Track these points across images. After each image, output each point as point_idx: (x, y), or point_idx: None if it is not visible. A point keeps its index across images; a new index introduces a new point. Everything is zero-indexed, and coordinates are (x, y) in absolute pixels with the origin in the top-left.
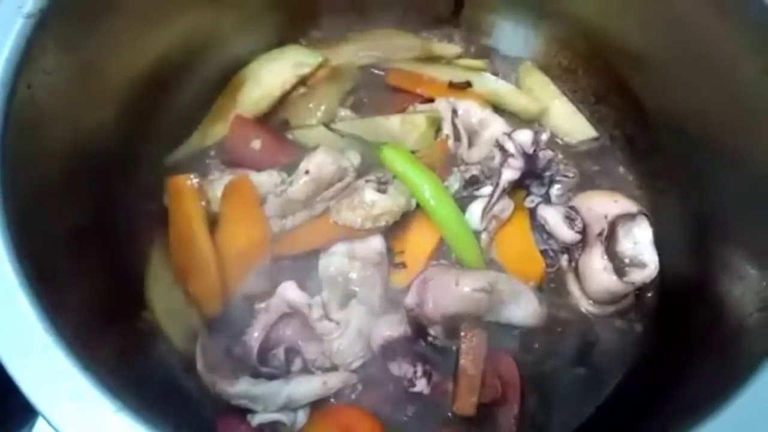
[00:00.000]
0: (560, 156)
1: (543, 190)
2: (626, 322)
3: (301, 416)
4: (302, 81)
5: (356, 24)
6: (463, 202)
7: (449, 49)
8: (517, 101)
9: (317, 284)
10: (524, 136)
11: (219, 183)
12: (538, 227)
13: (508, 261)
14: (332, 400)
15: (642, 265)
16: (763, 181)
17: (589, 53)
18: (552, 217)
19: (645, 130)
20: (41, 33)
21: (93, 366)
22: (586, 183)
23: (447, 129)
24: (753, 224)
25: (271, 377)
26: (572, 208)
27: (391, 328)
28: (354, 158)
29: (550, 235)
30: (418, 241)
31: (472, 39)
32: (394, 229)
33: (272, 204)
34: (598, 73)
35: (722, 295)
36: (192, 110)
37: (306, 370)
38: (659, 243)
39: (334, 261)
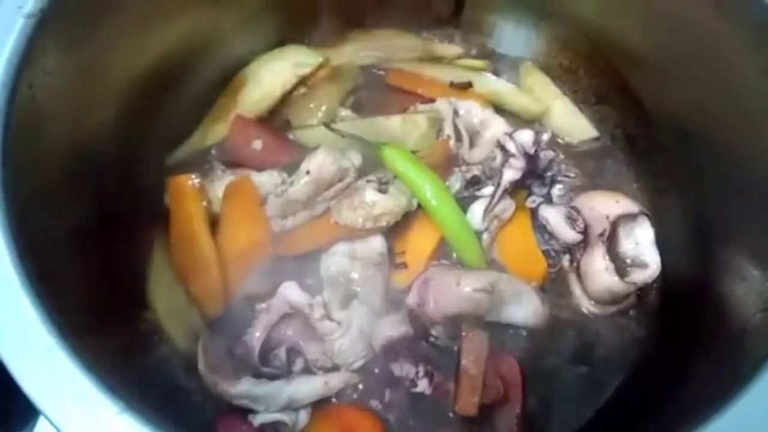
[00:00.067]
0: (561, 156)
1: (544, 191)
2: (628, 323)
3: (303, 416)
4: (303, 81)
5: (357, 24)
6: (464, 203)
7: (450, 49)
8: (518, 101)
9: (318, 284)
10: (525, 136)
11: (220, 183)
12: (540, 227)
13: (509, 261)
14: (334, 400)
15: (643, 266)
16: (765, 180)
17: (590, 53)
18: (553, 217)
19: (646, 130)
20: (42, 33)
21: (95, 367)
22: (587, 183)
23: (448, 129)
24: (755, 224)
25: (272, 377)
26: (574, 208)
27: (393, 328)
28: (355, 158)
29: (552, 236)
30: (419, 242)
31: (472, 39)
32: (395, 229)
33: (273, 204)
34: (599, 73)
35: (724, 296)
36: (193, 110)
37: (307, 370)
38: (661, 243)
39: (335, 261)
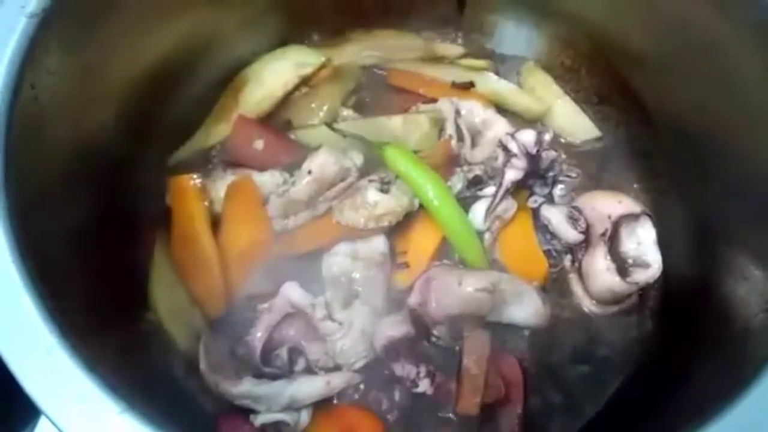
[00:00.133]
0: (563, 156)
1: (546, 191)
2: (629, 323)
3: (304, 416)
4: (304, 81)
5: (359, 24)
6: (466, 202)
7: (452, 49)
8: (520, 101)
9: (320, 284)
10: (527, 136)
11: (222, 183)
12: (542, 227)
13: (511, 261)
14: (335, 400)
15: (645, 266)
16: (766, 180)
17: (591, 53)
18: (555, 217)
19: (648, 130)
20: (44, 33)
21: (97, 367)
22: (589, 183)
23: (450, 129)
24: (756, 224)
25: (274, 377)
26: (575, 208)
27: (394, 328)
28: (356, 158)
29: (554, 236)
30: (421, 241)
31: (474, 39)
32: (397, 229)
33: (275, 204)
34: (601, 73)
35: (727, 296)
36: (194, 110)
37: (309, 370)
38: (662, 243)
39: (337, 261)
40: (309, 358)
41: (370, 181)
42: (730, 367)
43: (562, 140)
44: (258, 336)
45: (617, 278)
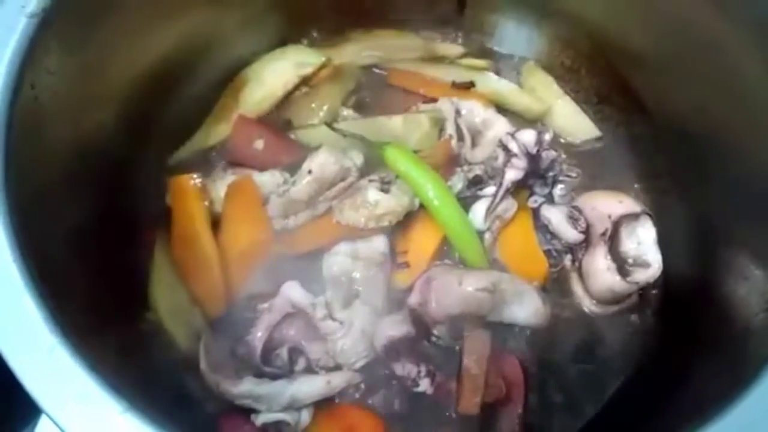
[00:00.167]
0: (563, 156)
1: (546, 190)
2: (630, 322)
3: (305, 416)
4: (304, 81)
5: (359, 24)
6: (466, 202)
7: (452, 49)
8: (521, 101)
9: (320, 284)
10: (527, 136)
11: (222, 183)
12: (542, 227)
13: (511, 261)
14: (336, 399)
15: (645, 265)
16: (767, 179)
17: (591, 53)
18: (555, 217)
19: (648, 129)
20: (44, 33)
21: (98, 366)
22: (589, 183)
23: (450, 129)
24: (757, 224)
25: (274, 377)
26: (576, 208)
27: (395, 327)
28: (357, 158)
29: (554, 235)
30: (421, 241)
31: (474, 39)
32: (397, 228)
33: (275, 204)
34: (601, 73)
35: (727, 296)
36: (194, 110)
37: (309, 369)
38: (663, 243)
39: (338, 261)
40: (309, 358)
41: (371, 180)
42: (730, 367)
43: (563, 140)
44: (258, 336)
45: (617, 278)
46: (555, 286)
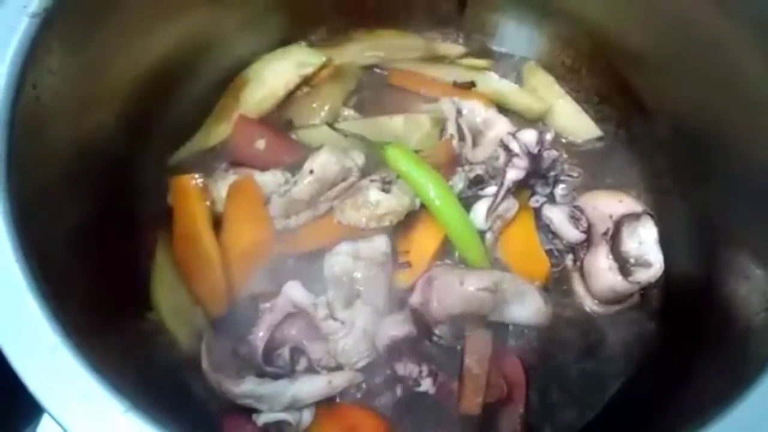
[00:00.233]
0: (565, 155)
1: (548, 190)
2: (631, 322)
3: (307, 416)
4: (306, 81)
5: (360, 24)
6: (467, 202)
7: (453, 48)
8: (522, 101)
9: (322, 284)
10: (529, 135)
11: (223, 183)
12: (543, 227)
13: (512, 260)
14: (337, 399)
15: (647, 265)
16: None
17: (592, 52)
18: (557, 216)
19: (649, 129)
20: (46, 33)
21: (100, 366)
22: (590, 182)
23: (451, 129)
24: (758, 223)
25: (276, 377)
26: (577, 207)
27: (397, 327)
28: (358, 158)
29: (555, 235)
30: (423, 241)
31: (475, 39)
32: (399, 228)
33: (276, 204)
34: (602, 73)
35: (728, 295)
36: (195, 110)
37: (311, 369)
38: (664, 242)
39: (339, 261)
40: (311, 358)
41: (372, 180)
42: (731, 367)
43: (564, 140)
44: (260, 335)
45: (619, 277)
46: (556, 286)
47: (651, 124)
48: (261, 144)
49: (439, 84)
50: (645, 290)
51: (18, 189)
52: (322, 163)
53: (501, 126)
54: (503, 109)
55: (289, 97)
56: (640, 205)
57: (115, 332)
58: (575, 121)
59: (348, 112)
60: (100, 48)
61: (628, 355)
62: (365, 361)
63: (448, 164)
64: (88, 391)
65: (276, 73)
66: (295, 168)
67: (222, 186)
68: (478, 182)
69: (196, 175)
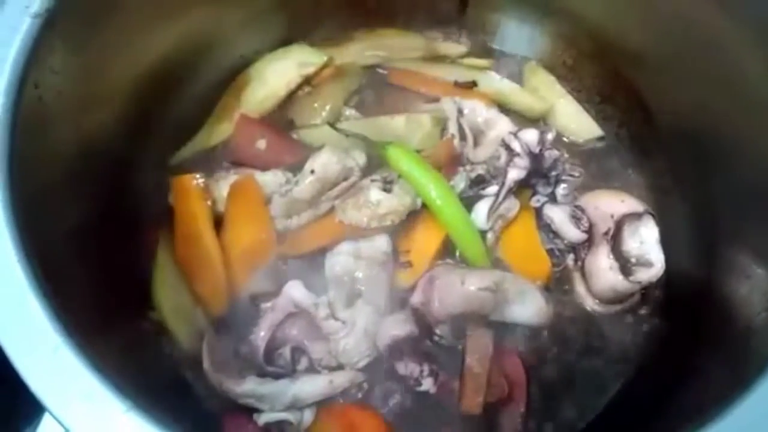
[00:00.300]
0: (566, 155)
1: (549, 190)
2: (632, 322)
3: (308, 415)
4: (307, 80)
5: (361, 23)
6: (468, 202)
7: (454, 48)
8: (523, 100)
9: (323, 284)
10: (530, 135)
11: (224, 183)
12: (544, 226)
13: (514, 260)
14: (339, 399)
15: (648, 265)
16: None
17: (593, 52)
18: (558, 216)
19: (650, 129)
20: (48, 32)
21: (102, 366)
22: (591, 182)
23: (452, 128)
24: (759, 222)
25: (277, 376)
26: (578, 207)
27: (398, 327)
28: (359, 158)
29: (556, 235)
30: (424, 241)
31: (476, 38)
32: (400, 228)
33: (277, 203)
34: (603, 73)
35: (729, 295)
36: (196, 110)
37: (312, 369)
38: (665, 242)
39: (340, 260)
40: (312, 357)
41: (373, 180)
42: (732, 367)
43: (565, 139)
44: (261, 335)
45: (620, 277)
46: (557, 286)
47: (652, 124)
48: (262, 144)
49: (440, 83)
50: (646, 290)
51: (20, 188)
52: (323, 163)
53: (502, 126)
54: (504, 108)
55: (291, 96)
56: (642, 204)
57: (116, 332)
58: (576, 121)
59: (349, 111)
60: (102, 48)
61: (628, 355)
62: (366, 361)
63: (450, 164)
64: (90, 391)
65: (277, 73)
66: (296, 168)
67: (223, 186)
68: (479, 182)
69: (197, 175)
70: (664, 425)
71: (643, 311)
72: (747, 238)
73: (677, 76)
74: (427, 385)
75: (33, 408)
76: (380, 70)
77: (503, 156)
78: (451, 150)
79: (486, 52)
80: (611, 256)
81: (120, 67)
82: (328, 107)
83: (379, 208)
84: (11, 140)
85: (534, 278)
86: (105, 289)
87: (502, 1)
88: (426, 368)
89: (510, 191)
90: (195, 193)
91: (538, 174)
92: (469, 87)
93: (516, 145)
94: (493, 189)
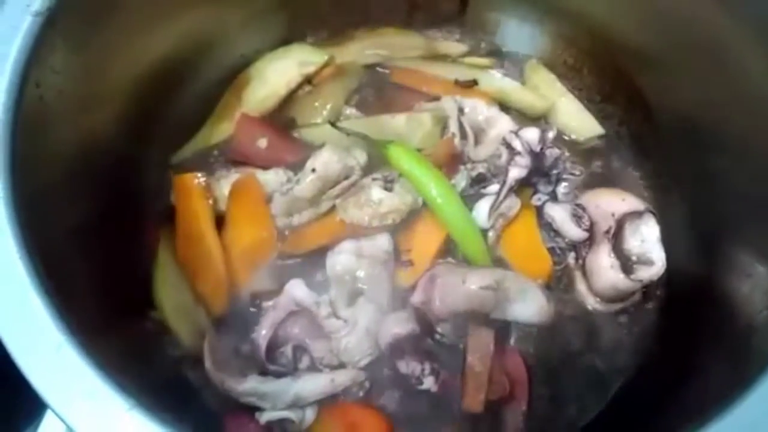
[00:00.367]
0: (567, 154)
1: (550, 188)
2: (633, 320)
3: (309, 414)
4: (308, 79)
5: (361, 22)
6: (469, 200)
7: (455, 47)
8: (524, 99)
9: (325, 282)
10: (531, 133)
11: (225, 181)
12: (546, 225)
13: (515, 259)
14: (340, 397)
15: (649, 263)
16: None
17: (594, 51)
18: (559, 214)
19: (651, 127)
20: (50, 31)
21: (105, 364)
22: (592, 181)
23: (453, 127)
24: (760, 221)
25: (278, 375)
26: (579, 205)
27: (399, 325)
28: (360, 156)
29: (557, 233)
30: (425, 239)
31: (477, 37)
32: (401, 227)
33: (279, 202)
34: (604, 71)
35: (730, 293)
36: (197, 109)
37: (314, 367)
38: (665, 240)
39: (342, 259)
40: (313, 356)
41: (374, 179)
42: (733, 365)
43: (566, 138)
44: (263, 334)
45: (621, 275)
46: (558, 284)
47: (653, 123)
48: (263, 143)
49: (441, 82)
50: (647, 288)
51: (21, 187)
52: (324, 162)
53: (503, 124)
54: (505, 107)
55: (291, 95)
56: (643, 203)
57: (118, 331)
58: (577, 119)
59: (350, 110)
60: (103, 47)
61: (629, 353)
62: (368, 360)
63: (451, 162)
64: (93, 389)
65: (278, 72)
66: (297, 166)
67: (224, 185)
68: (480, 180)
69: (199, 174)
70: (665, 423)
71: (643, 310)
72: (748, 237)
73: (678, 74)
74: (429, 383)
75: (34, 406)
76: (381, 69)
77: (504, 154)
78: (452, 149)
79: (487, 50)
80: (612, 255)
81: (121, 66)
82: (328, 106)
83: (380, 207)
84: (12, 139)
85: (535, 277)
86: (107, 287)
87: (502, 1)
88: (427, 367)
89: (511, 190)
90: (196, 192)
91: (539, 172)
92: (469, 86)
93: (517, 144)
94: (494, 187)
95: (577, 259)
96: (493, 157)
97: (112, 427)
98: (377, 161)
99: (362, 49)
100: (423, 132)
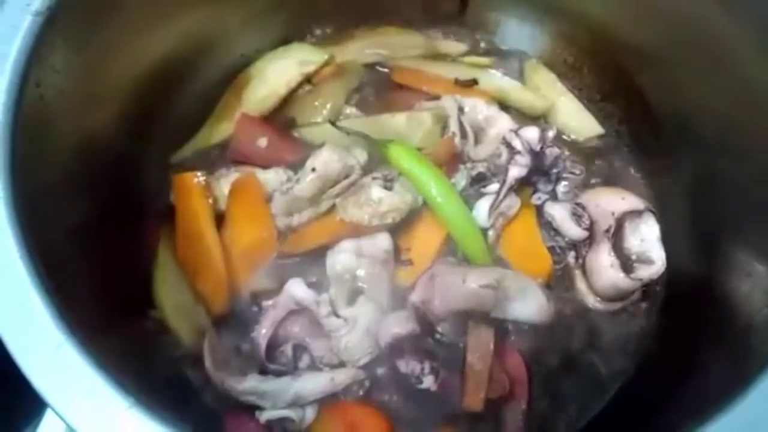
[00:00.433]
0: (567, 153)
1: (550, 187)
2: (633, 319)
3: (309, 413)
4: (308, 79)
5: (362, 22)
6: (469, 200)
7: (455, 46)
8: (524, 98)
9: (325, 281)
10: (531, 133)
11: (225, 181)
12: (545, 224)
13: (515, 258)
14: (340, 396)
15: (649, 262)
16: None
17: (594, 50)
18: (559, 214)
19: (651, 126)
20: (49, 31)
21: (105, 363)
22: (592, 180)
23: (453, 126)
24: (760, 221)
25: (278, 374)
26: (579, 204)
27: (399, 324)
28: (360, 156)
29: (557, 232)
30: (425, 238)
31: (477, 36)
32: (401, 226)
33: (279, 201)
34: (604, 71)
35: (730, 292)
36: (197, 108)
37: (314, 366)
38: (665, 240)
39: (341, 258)
40: (313, 355)
41: (374, 178)
42: (733, 364)
43: (566, 137)
44: (263, 333)
45: (621, 274)
46: (558, 283)
47: (653, 122)
48: (263, 142)
49: (441, 81)
50: (647, 287)
51: (21, 186)
52: (324, 161)
53: (503, 123)
54: (505, 106)
55: (292, 95)
56: (642, 202)
57: (118, 330)
58: (577, 119)
59: (350, 109)
60: (103, 46)
61: (629, 352)
62: (368, 359)
63: (450, 162)
64: (93, 388)
65: (278, 71)
66: (297, 166)
67: (224, 184)
68: (480, 180)
69: (199, 173)
70: (665, 422)
71: (643, 309)
72: (748, 236)
73: (678, 73)
74: (429, 382)
75: (34, 405)
76: (381, 68)
77: (504, 154)
78: (452, 148)
79: (487, 50)
80: (612, 254)
81: (121, 66)
82: (328, 105)
83: (380, 206)
84: (13, 139)
85: (535, 276)
86: (107, 287)
87: (502, 0)
88: (427, 366)
89: (511, 189)
90: (196, 192)
91: (539, 172)
92: (469, 85)
93: (517, 143)
94: (494, 187)
95: (577, 258)
96: (493, 157)
97: (112, 425)
98: (377, 160)
99: (362, 49)
100: (423, 131)
